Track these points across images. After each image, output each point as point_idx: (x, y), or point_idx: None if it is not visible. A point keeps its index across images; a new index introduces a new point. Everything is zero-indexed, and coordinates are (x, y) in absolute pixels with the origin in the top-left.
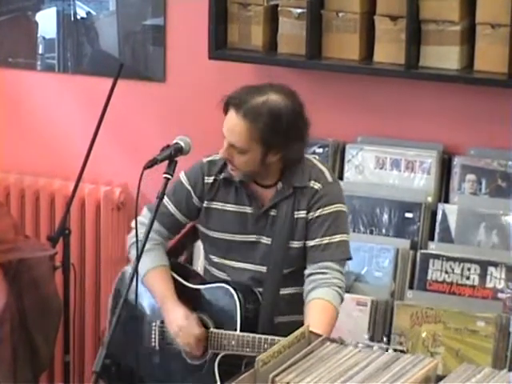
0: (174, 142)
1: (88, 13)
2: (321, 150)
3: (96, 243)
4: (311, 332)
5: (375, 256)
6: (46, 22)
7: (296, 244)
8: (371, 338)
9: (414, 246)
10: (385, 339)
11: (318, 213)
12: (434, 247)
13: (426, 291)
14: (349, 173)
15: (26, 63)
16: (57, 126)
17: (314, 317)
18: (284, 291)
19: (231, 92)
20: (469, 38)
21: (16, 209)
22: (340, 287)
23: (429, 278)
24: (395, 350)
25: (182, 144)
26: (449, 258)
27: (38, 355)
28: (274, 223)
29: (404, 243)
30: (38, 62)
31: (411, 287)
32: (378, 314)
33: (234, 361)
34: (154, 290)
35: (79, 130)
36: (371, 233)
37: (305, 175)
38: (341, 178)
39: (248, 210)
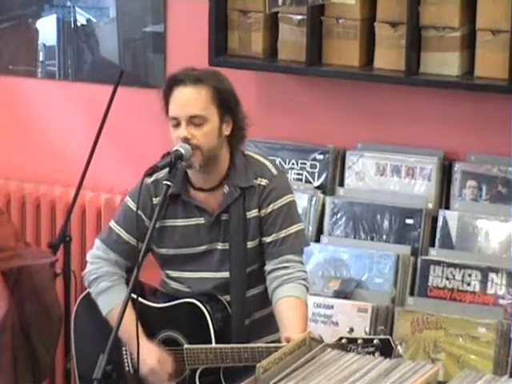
0: (175, 149)
1: (88, 20)
2: (321, 157)
3: None
4: (312, 338)
5: (376, 262)
6: (47, 29)
7: (252, 243)
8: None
9: (414, 253)
10: (367, 329)
11: (270, 208)
12: (434, 253)
13: (427, 297)
14: (349, 179)
15: (26, 70)
16: (57, 133)
17: (289, 317)
18: (250, 293)
19: (168, 76)
20: (469, 44)
21: (17, 216)
22: (304, 279)
23: (429, 284)
24: (380, 340)
25: (183, 151)
26: (449, 265)
27: (39, 362)
28: (227, 227)
29: (405, 249)
30: (39, 70)
31: (412, 293)
32: (378, 321)
33: (213, 370)
34: (120, 328)
35: (80, 137)
36: (372, 239)
37: (249, 174)
38: (341, 184)
39: (200, 220)
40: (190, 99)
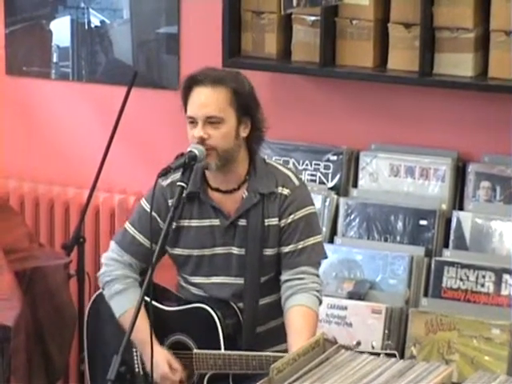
0: (188, 150)
1: (102, 21)
2: (335, 158)
3: None
4: (326, 340)
5: (390, 263)
6: (60, 30)
7: (269, 251)
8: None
9: (428, 254)
10: (374, 344)
11: (290, 219)
12: (448, 254)
13: (441, 299)
14: (363, 180)
15: (40, 72)
16: (71, 134)
17: (297, 325)
18: (262, 301)
19: (186, 76)
20: (483, 45)
21: (30, 217)
22: (318, 291)
23: (443, 285)
24: (386, 355)
25: (196, 152)
26: (463, 266)
27: (53, 364)
28: (244, 233)
29: (418, 251)
30: (53, 71)
31: (426, 295)
32: (392, 322)
33: (221, 375)
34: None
35: (93, 138)
36: (386, 240)
37: (270, 181)
38: (355, 185)
39: (214, 222)
40: (207, 100)
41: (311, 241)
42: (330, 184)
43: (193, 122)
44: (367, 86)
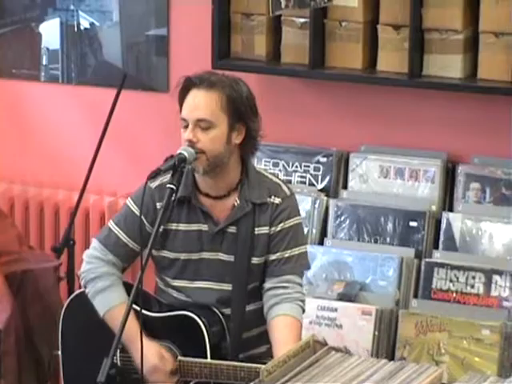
0: (178, 152)
1: (91, 23)
2: (325, 160)
3: None
4: (316, 341)
5: (380, 265)
6: (50, 33)
7: (258, 260)
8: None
9: (418, 255)
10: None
11: (279, 227)
12: (438, 256)
13: (431, 300)
14: (353, 182)
15: (29, 74)
16: (61, 136)
17: (282, 334)
18: (249, 307)
19: (184, 76)
20: (472, 46)
21: (20, 220)
22: (302, 300)
23: (433, 286)
24: None
25: (186, 154)
26: (453, 267)
27: (43, 366)
28: (234, 240)
29: (408, 252)
30: (42, 73)
31: (416, 296)
32: (382, 323)
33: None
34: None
35: (83, 140)
36: (375, 242)
37: (262, 191)
38: (345, 187)
39: (203, 227)
40: (200, 103)
41: (297, 250)
42: (320, 186)
43: (185, 124)
44: (357, 88)
